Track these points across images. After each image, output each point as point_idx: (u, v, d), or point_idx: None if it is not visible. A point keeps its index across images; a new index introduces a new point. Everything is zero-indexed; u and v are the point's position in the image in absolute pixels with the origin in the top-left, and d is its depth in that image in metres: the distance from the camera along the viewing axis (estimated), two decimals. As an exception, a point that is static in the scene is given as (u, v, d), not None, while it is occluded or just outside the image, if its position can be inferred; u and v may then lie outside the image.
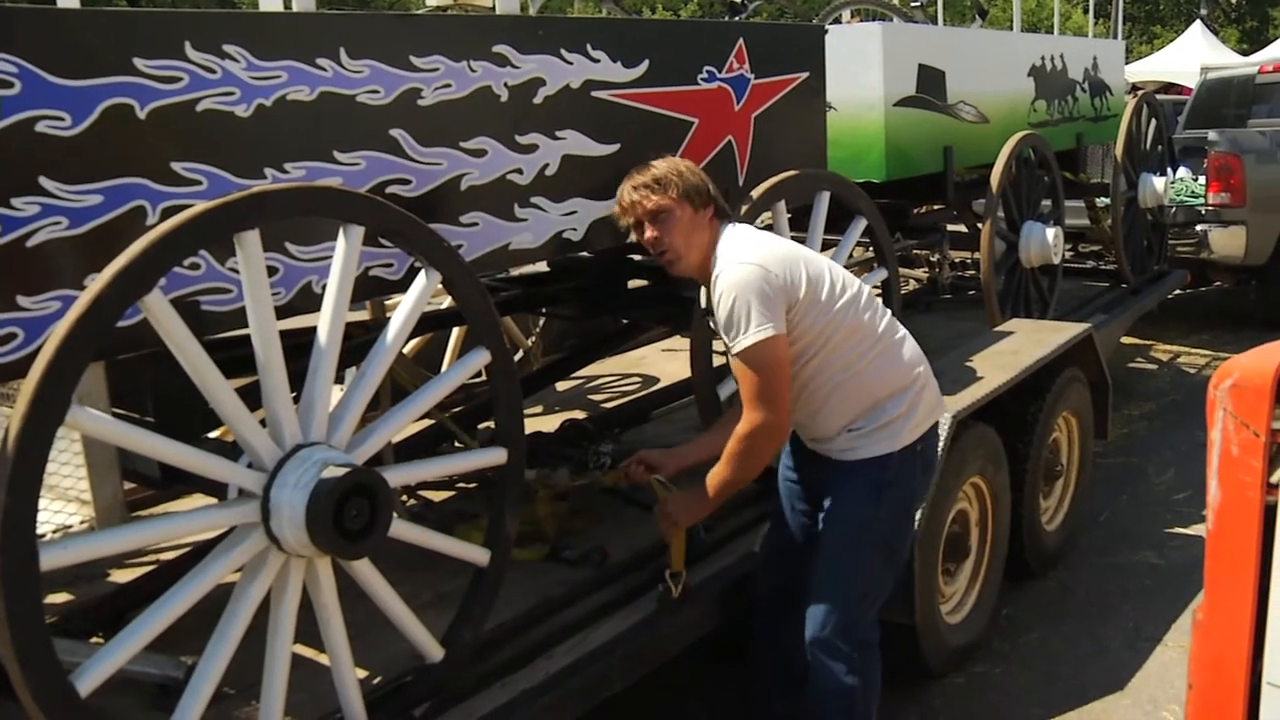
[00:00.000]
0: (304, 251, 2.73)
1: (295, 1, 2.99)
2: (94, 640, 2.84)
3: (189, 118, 2.54)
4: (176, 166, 2.53)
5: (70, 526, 2.36)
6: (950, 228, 7.02)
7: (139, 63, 2.45)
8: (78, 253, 2.36)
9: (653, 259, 3.14)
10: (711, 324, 3.09)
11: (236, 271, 2.52)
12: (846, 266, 5.48)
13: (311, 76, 2.76)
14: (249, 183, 2.62)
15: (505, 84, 3.20)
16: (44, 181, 2.31)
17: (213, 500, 2.63)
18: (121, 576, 3.29)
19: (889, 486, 3.04)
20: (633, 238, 3.11)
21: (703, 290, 3.18)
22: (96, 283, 2.12)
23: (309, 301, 2.73)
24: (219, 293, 2.59)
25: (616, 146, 3.54)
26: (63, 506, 2.42)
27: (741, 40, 4.04)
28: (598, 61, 3.48)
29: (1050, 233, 6.14)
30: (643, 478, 3.33)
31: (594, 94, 3.47)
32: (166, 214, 2.46)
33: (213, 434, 3.03)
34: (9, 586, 1.96)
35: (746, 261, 2.88)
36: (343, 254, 2.47)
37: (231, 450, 2.44)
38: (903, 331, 3.18)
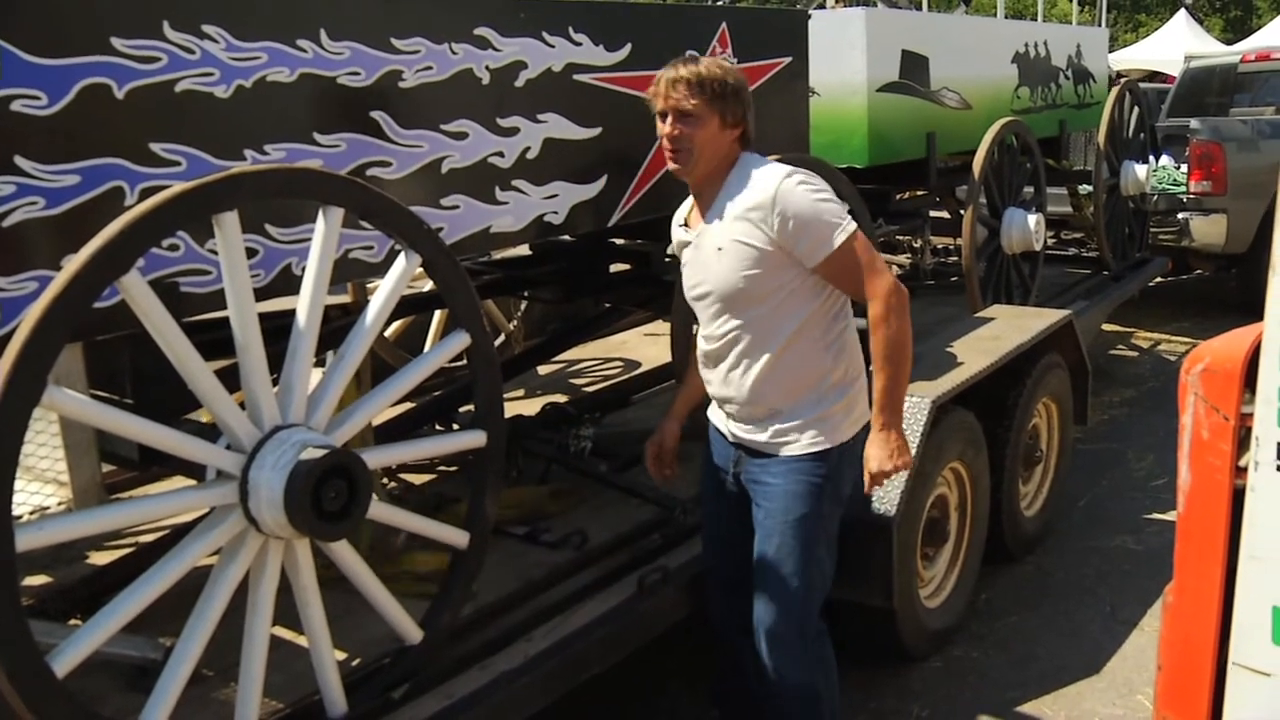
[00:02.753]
0: (284, 233, 2.73)
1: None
2: (72, 622, 2.84)
3: (168, 98, 2.53)
4: (155, 147, 2.52)
5: (48, 508, 2.36)
6: (932, 214, 7.04)
7: (117, 42, 2.44)
8: (54, 233, 2.35)
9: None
10: (683, 236, 2.99)
11: (216, 253, 2.51)
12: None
13: (291, 58, 2.75)
14: (228, 164, 2.61)
15: (486, 66, 3.20)
16: (20, 161, 2.30)
17: (191, 482, 2.63)
18: (100, 559, 3.28)
19: (828, 481, 2.93)
20: (655, 124, 2.88)
21: (685, 207, 3.04)
22: (73, 263, 2.11)
23: (289, 284, 2.72)
24: (198, 274, 2.59)
25: (598, 130, 3.54)
26: (40, 488, 2.41)
27: (724, 24, 4.04)
28: (580, 45, 3.48)
29: (1032, 219, 6.16)
30: (670, 469, 3.28)
31: (576, 77, 3.47)
32: (145, 195, 2.45)
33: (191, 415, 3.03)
34: (-17, 567, 1.96)
35: (799, 174, 2.78)
36: (322, 236, 2.46)
37: (210, 432, 2.43)
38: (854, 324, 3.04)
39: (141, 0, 2.55)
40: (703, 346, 2.99)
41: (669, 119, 2.81)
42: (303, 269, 2.65)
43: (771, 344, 2.84)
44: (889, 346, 2.78)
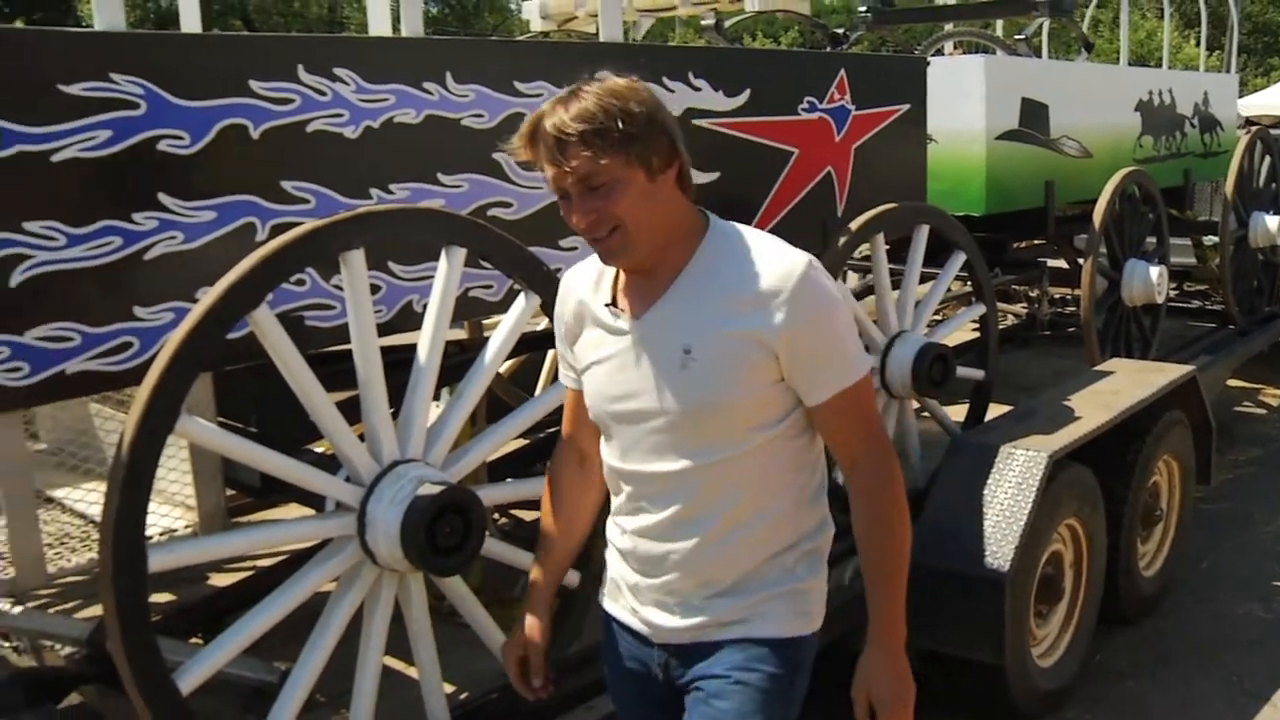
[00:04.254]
0: (406, 271, 2.79)
1: (404, 26, 3.06)
2: (193, 641, 2.92)
3: (299, 138, 2.61)
4: (286, 185, 2.61)
5: (175, 530, 2.43)
6: (1050, 263, 6.91)
7: (254, 84, 2.54)
8: (191, 266, 2.45)
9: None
10: (608, 319, 2.00)
11: (340, 289, 2.58)
12: (943, 301, 5.46)
13: (418, 100, 2.82)
14: (355, 202, 2.69)
15: (607, 111, 3.23)
16: (162, 197, 2.41)
17: (309, 511, 2.69)
18: (220, 580, 3.38)
19: (799, 673, 2.06)
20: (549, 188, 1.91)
21: (591, 272, 2.06)
22: (208, 296, 2.20)
23: (409, 320, 2.78)
24: (323, 309, 2.66)
25: (716, 175, 3.56)
26: (169, 510, 2.50)
27: (843, 71, 4.03)
28: (699, 90, 3.51)
29: (1154, 271, 6.01)
30: (544, 681, 2.26)
31: (695, 122, 3.50)
32: (275, 231, 2.53)
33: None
34: (119, 585, 2.04)
35: (810, 260, 1.92)
36: (444, 275, 2.52)
37: (329, 463, 2.49)
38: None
39: (278, 44, 2.66)
40: (624, 487, 2.04)
41: (571, 199, 1.87)
42: (423, 306, 2.72)
43: (737, 494, 1.96)
44: (893, 532, 1.99)
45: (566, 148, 1.80)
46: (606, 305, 1.99)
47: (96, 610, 3.23)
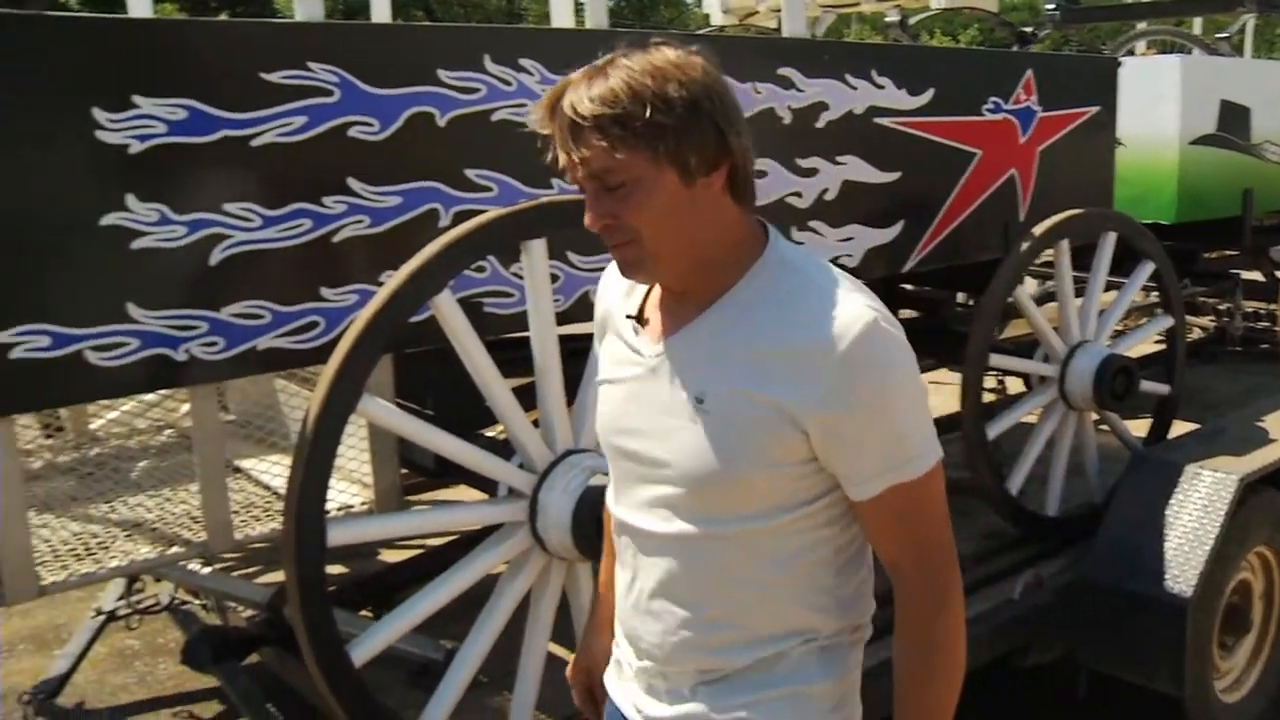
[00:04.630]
0: (584, 261, 2.81)
1: (588, 18, 3.08)
2: (363, 613, 3.00)
3: (484, 127, 2.65)
4: (470, 173, 2.64)
5: (351, 506, 2.50)
6: (1244, 275, 6.57)
7: (442, 73, 2.58)
8: (376, 250, 2.50)
9: None
10: (630, 338, 1.63)
11: (518, 276, 2.61)
12: (1127, 313, 5.24)
13: (603, 91, 2.82)
14: (537, 191, 2.71)
15: (789, 107, 3.20)
16: (351, 182, 2.47)
17: (478, 493, 2.73)
18: (390, 556, 3.46)
19: None
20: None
21: (617, 276, 1.67)
22: (394, 279, 2.24)
23: (586, 310, 2.79)
24: (501, 296, 2.69)
25: (897, 175, 3.48)
26: (346, 487, 2.56)
27: (1030, 71, 3.90)
28: (882, 88, 3.43)
29: (1361, 287, 5.65)
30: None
31: (877, 120, 3.42)
32: (458, 217, 2.57)
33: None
34: (301, 558, 2.10)
35: (876, 317, 1.47)
36: (622, 265, 2.51)
37: (502, 448, 2.52)
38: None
39: (466, 35, 2.70)
40: (621, 537, 1.69)
41: (581, 183, 1.52)
42: (599, 297, 2.72)
43: (746, 577, 1.57)
44: (935, 679, 1.56)
45: (580, 133, 1.43)
46: (630, 317, 1.63)
47: (275, 576, 3.36)
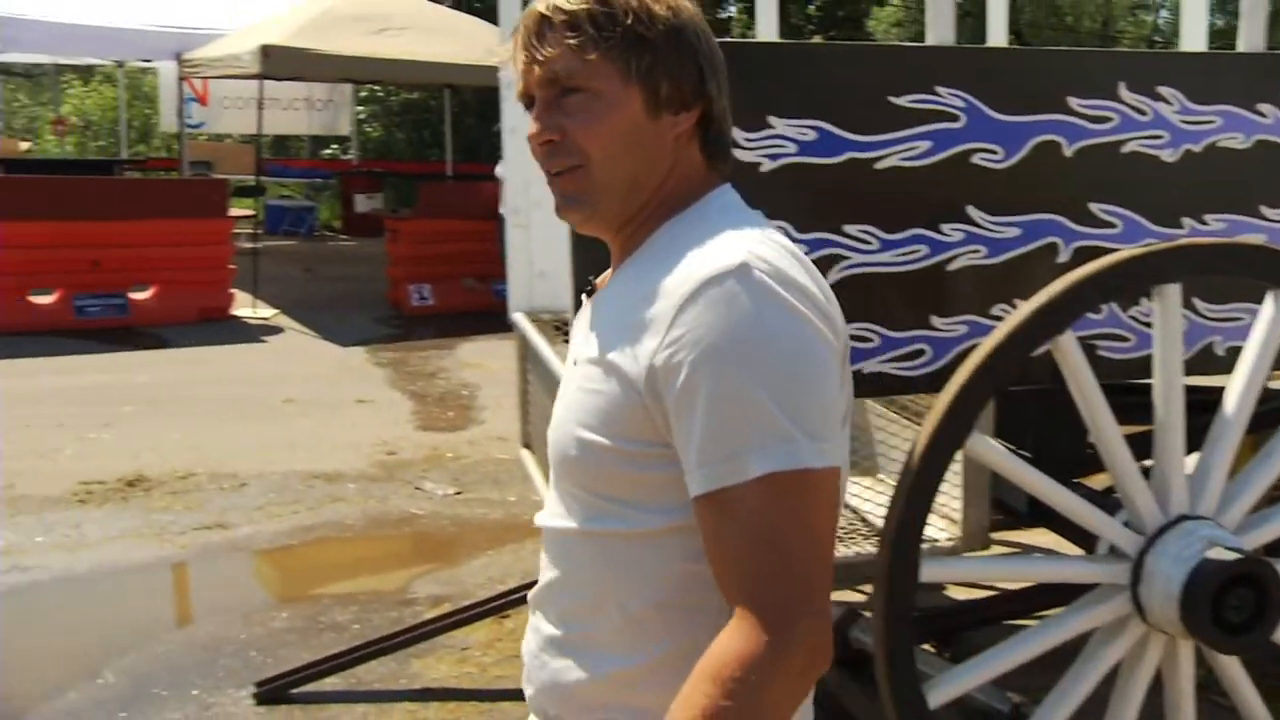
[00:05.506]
0: (1211, 309, 2.57)
1: (1241, 40, 2.80)
2: (924, 647, 2.94)
3: (1112, 158, 2.50)
4: (1093, 207, 2.50)
5: (937, 541, 2.45)
6: None
7: (1073, 101, 2.46)
8: (989, 281, 2.44)
9: None
10: (592, 350, 1.34)
11: (1137, 320, 2.45)
12: None
13: (1249, 123, 2.57)
14: (1164, 231, 2.52)
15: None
16: (971, 210, 2.42)
17: (1062, 541, 2.58)
18: (957, 592, 3.36)
19: None
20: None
21: (609, 285, 1.42)
22: (1016, 315, 2.16)
23: (1207, 362, 2.56)
24: (1117, 340, 2.52)
25: None
26: (934, 520, 2.51)
27: None
28: None
29: None
30: None
31: None
32: (1078, 253, 2.45)
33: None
34: (892, 590, 2.08)
35: (744, 261, 1.22)
36: (1269, 320, 2.26)
37: (1104, 501, 2.36)
38: None
39: (1100, 60, 2.56)
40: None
41: (537, 102, 1.35)
42: (1225, 349, 2.49)
43: (598, 589, 1.33)
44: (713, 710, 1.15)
45: (550, 29, 1.29)
46: (588, 288, 1.45)
47: (841, 595, 3.38)
